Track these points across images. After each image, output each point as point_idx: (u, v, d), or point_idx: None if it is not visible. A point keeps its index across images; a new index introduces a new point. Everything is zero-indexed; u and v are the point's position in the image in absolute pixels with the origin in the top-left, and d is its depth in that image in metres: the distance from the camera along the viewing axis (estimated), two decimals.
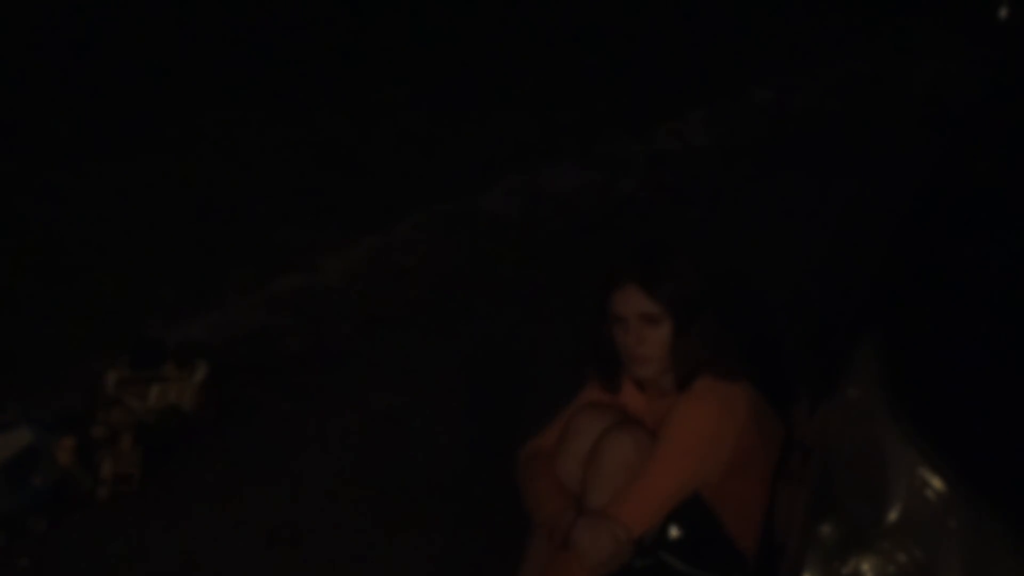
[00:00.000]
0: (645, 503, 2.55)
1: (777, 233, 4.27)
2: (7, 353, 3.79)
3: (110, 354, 3.58)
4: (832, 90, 5.69)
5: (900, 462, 1.80)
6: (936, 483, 1.75)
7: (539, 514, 2.66)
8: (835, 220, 4.24)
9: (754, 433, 2.61)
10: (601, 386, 2.77)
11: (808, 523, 1.94)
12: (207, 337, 3.90)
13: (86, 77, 5.64)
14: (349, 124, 5.38)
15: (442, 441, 3.49)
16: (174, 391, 3.50)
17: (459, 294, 4.21)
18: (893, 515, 1.79)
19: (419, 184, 4.90)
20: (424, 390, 3.70)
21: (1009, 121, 2.66)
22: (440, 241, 4.56)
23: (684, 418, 2.58)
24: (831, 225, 4.20)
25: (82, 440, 3.30)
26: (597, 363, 2.75)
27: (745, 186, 4.80)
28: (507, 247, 4.51)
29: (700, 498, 2.57)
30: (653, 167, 5.10)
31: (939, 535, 1.75)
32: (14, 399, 3.48)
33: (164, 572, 3.09)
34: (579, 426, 2.70)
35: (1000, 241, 2.17)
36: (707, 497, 2.57)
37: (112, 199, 4.73)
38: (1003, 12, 3.22)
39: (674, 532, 2.58)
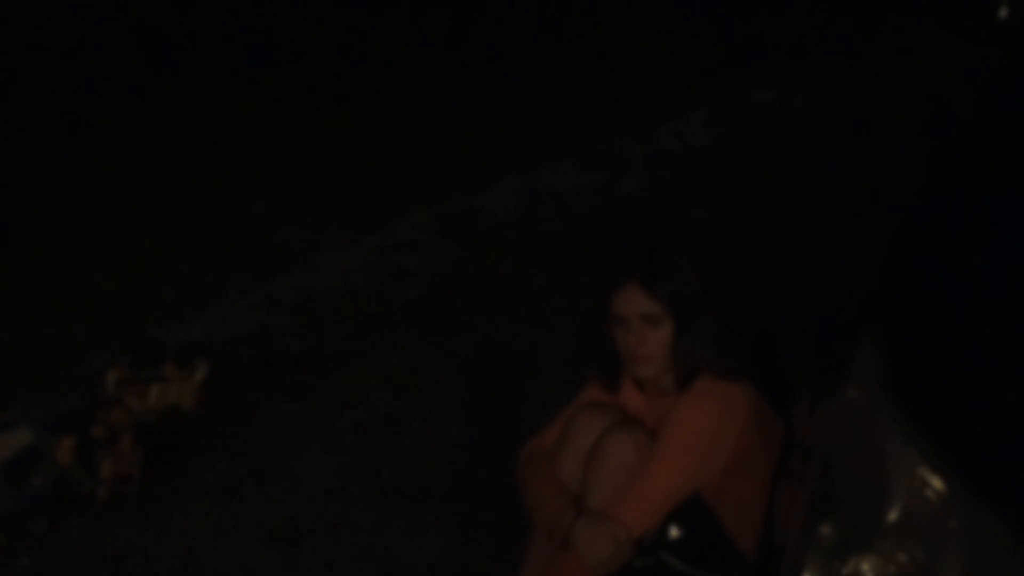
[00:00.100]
0: (645, 503, 2.55)
1: (777, 233, 4.26)
2: (7, 353, 3.79)
3: (110, 354, 3.57)
4: (832, 90, 5.67)
5: (900, 462, 1.80)
6: (936, 483, 1.75)
7: (539, 514, 2.66)
8: (835, 220, 4.23)
9: (754, 433, 2.61)
10: (601, 386, 2.77)
11: (808, 523, 1.95)
12: (207, 337, 3.90)
13: (86, 77, 5.63)
14: (349, 124, 5.37)
15: (442, 441, 3.48)
16: (174, 391, 3.50)
17: (459, 294, 4.20)
18: (893, 515, 1.79)
19: (419, 184, 4.89)
20: (424, 390, 3.69)
21: (1009, 121, 2.66)
22: (440, 241, 4.55)
23: (684, 418, 2.59)
24: (831, 225, 4.18)
25: (82, 440, 3.30)
26: (597, 363, 2.75)
27: (745, 186, 4.79)
28: (507, 247, 4.50)
29: (700, 498, 2.57)
30: (653, 167, 5.09)
31: (939, 535, 1.75)
32: (14, 399, 3.49)
33: (164, 572, 3.09)
34: (579, 426, 2.70)
35: (999, 241, 2.17)
36: (707, 497, 2.57)
37: (112, 199, 4.72)
38: (1003, 12, 3.22)
39: (674, 532, 2.58)
